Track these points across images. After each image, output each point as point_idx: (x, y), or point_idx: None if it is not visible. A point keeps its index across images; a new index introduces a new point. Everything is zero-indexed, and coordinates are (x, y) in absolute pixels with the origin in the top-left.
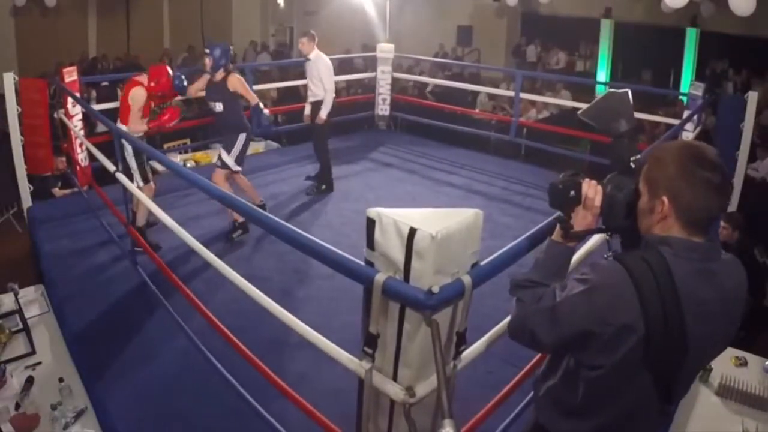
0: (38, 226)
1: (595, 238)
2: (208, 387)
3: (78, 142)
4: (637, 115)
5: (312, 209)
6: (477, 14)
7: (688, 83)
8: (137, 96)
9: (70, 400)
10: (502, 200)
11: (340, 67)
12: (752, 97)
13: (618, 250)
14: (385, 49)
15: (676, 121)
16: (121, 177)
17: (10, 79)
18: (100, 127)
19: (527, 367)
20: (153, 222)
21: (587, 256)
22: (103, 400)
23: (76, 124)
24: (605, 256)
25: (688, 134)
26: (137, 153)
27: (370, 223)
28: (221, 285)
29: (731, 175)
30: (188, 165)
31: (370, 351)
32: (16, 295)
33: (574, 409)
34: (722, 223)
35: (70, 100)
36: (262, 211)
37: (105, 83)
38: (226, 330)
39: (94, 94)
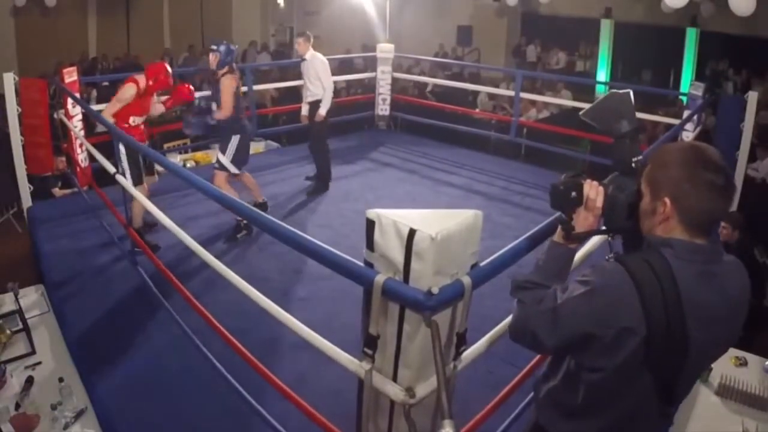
0: (38, 226)
1: (595, 239)
2: (208, 387)
3: (78, 142)
4: (638, 115)
5: (312, 209)
6: (477, 14)
7: (688, 83)
8: (125, 91)
9: (70, 400)
10: (502, 200)
11: (340, 67)
12: (752, 97)
13: (620, 252)
14: (385, 49)
15: (676, 121)
16: (121, 178)
17: (10, 79)
18: (100, 128)
19: (527, 367)
20: (152, 223)
21: (587, 257)
22: (103, 400)
23: (76, 125)
24: (607, 257)
25: (688, 134)
26: (130, 154)
27: (370, 224)
28: (221, 286)
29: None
30: (188, 165)
31: (369, 352)
32: (16, 295)
33: (575, 410)
34: (722, 223)
35: (70, 100)
36: (261, 212)
37: (105, 83)
38: (226, 331)
39: (94, 94)
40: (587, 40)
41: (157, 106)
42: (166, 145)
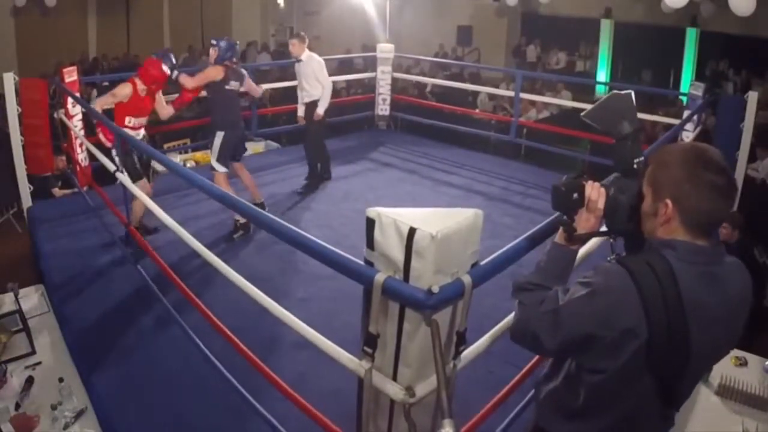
0: (38, 226)
1: (595, 241)
2: (208, 386)
3: (78, 142)
4: (638, 115)
5: (312, 209)
6: (477, 14)
7: (688, 83)
8: (121, 89)
9: (70, 400)
10: (502, 200)
11: (340, 67)
12: (752, 97)
13: (621, 253)
14: (385, 49)
15: (676, 121)
16: (121, 176)
17: (10, 79)
18: None
19: (527, 367)
20: (154, 229)
21: (586, 258)
22: (103, 400)
23: (76, 124)
24: (608, 259)
25: (688, 134)
26: (126, 153)
27: (370, 223)
28: (221, 285)
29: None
30: (188, 165)
31: (369, 351)
32: (16, 295)
33: (576, 412)
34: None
35: (70, 100)
36: (262, 211)
37: (105, 83)
38: (227, 330)
39: (94, 94)
40: (587, 41)
41: (167, 107)
42: (166, 145)
